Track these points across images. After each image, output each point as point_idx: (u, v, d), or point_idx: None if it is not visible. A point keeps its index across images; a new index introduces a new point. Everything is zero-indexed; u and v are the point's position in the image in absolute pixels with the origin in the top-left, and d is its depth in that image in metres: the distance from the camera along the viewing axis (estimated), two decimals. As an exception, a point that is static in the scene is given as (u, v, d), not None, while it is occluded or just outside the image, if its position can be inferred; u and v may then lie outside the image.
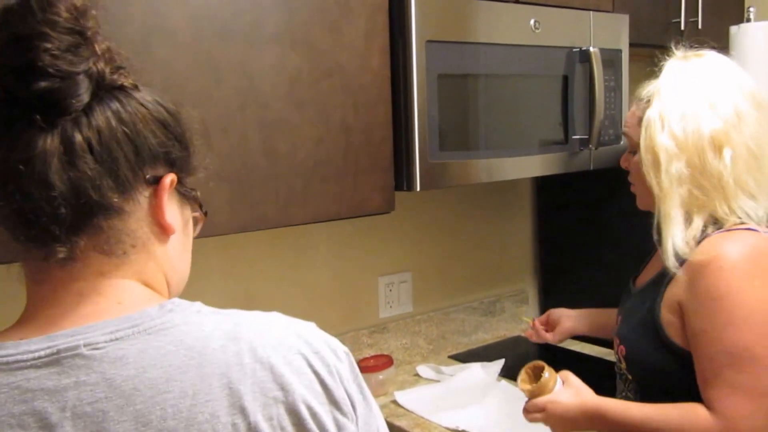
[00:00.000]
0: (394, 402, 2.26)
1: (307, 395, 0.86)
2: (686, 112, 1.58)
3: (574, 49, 2.32)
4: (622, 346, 1.75)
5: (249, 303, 2.27)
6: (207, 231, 1.64)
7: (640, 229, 2.06)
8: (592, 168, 2.43)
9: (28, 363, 0.79)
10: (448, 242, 2.78)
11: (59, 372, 0.79)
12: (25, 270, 0.87)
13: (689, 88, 1.61)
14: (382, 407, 2.22)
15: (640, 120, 1.65)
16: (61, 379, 0.78)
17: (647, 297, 1.70)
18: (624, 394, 1.80)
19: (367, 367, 2.30)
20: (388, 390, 2.33)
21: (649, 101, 1.65)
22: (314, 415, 0.86)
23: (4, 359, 0.79)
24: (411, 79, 1.92)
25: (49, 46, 0.78)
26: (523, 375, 1.82)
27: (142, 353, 0.81)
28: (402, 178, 1.98)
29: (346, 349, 0.95)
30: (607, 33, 2.42)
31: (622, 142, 2.50)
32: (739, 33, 2.73)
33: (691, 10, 2.76)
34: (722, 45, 2.74)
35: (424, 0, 1.91)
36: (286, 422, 0.84)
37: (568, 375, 1.74)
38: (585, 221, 2.81)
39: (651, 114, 1.62)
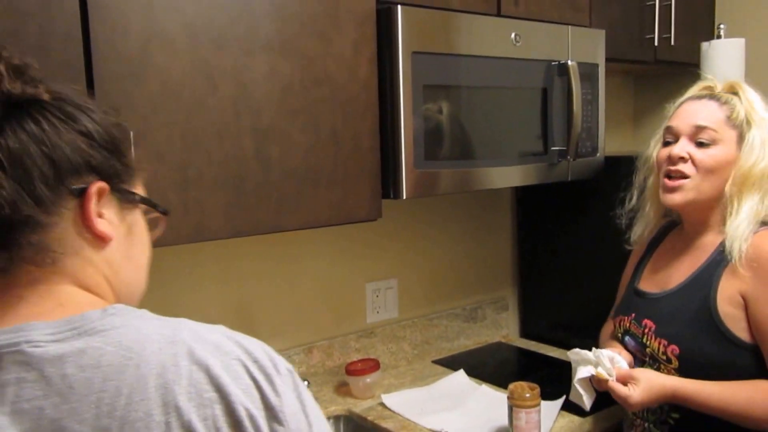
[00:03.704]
0: (382, 404, 2.28)
1: (245, 399, 0.85)
2: None
3: (553, 63, 2.36)
4: (673, 346, 1.81)
5: (242, 309, 2.32)
6: (203, 236, 1.70)
7: (615, 239, 2.12)
8: (570, 179, 2.48)
9: None
10: (432, 250, 2.82)
11: (1, 369, 0.80)
12: None
13: None
14: (370, 409, 2.26)
15: (726, 119, 1.82)
16: (1, 375, 0.80)
17: (693, 294, 1.81)
18: None
19: (355, 370, 2.33)
20: (375, 393, 2.36)
21: (733, 110, 1.82)
22: (251, 417, 0.85)
23: None
24: (398, 89, 1.96)
25: None
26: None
27: (81, 353, 0.81)
28: (389, 186, 2.02)
29: (289, 366, 0.93)
30: (585, 47, 2.47)
31: (598, 155, 2.56)
32: (710, 49, 2.77)
33: (664, 27, 2.81)
34: (694, 61, 2.83)
35: (410, 12, 1.96)
36: (222, 423, 0.83)
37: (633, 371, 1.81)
38: (563, 231, 2.84)
39: (759, 136, 1.80)
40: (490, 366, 2.63)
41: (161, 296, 2.09)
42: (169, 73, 1.62)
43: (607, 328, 2.18)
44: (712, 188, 1.82)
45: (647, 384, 1.75)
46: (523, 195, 3.03)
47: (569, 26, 2.42)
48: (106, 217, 0.91)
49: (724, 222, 1.82)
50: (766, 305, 1.71)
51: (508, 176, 2.31)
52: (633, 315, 1.95)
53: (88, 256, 0.90)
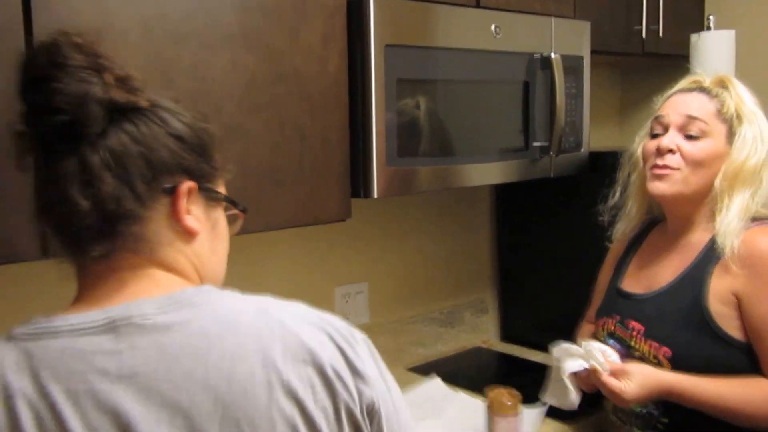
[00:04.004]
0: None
1: (333, 361, 0.97)
2: (766, 138, 1.82)
3: (535, 56, 2.30)
4: (665, 349, 1.77)
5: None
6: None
7: (599, 237, 2.07)
8: (552, 175, 2.42)
9: (89, 330, 0.92)
10: (406, 251, 2.74)
11: (116, 337, 0.91)
12: (73, 267, 1.00)
13: (763, 117, 1.85)
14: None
15: (717, 113, 1.81)
16: (117, 343, 0.91)
17: (683, 294, 1.79)
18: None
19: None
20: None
21: (723, 104, 1.82)
22: (340, 377, 0.97)
23: (69, 327, 0.92)
24: (369, 83, 1.89)
25: (59, 86, 0.90)
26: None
27: (186, 323, 0.94)
28: (359, 185, 1.95)
29: (364, 336, 1.06)
30: (569, 39, 2.42)
31: (582, 150, 2.50)
32: (700, 41, 2.75)
33: (652, 18, 2.78)
34: (682, 53, 2.77)
35: (383, 4, 1.88)
36: (316, 381, 0.95)
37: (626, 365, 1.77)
38: (545, 230, 2.79)
39: (750, 132, 1.80)
40: (468, 372, 2.57)
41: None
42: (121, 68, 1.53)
43: (584, 331, 2.14)
44: (699, 182, 1.80)
45: (642, 378, 1.71)
46: (503, 192, 2.96)
47: (552, 18, 2.36)
48: (194, 213, 1.02)
49: (711, 218, 1.81)
50: (760, 303, 1.70)
51: (487, 173, 2.25)
52: (618, 317, 1.91)
53: (179, 248, 1.02)
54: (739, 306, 1.72)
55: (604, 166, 2.17)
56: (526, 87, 2.31)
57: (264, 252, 2.34)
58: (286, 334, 0.96)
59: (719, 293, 1.74)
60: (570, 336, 2.12)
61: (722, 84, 1.87)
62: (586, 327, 2.14)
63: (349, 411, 0.98)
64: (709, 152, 1.79)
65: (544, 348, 2.67)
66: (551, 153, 2.36)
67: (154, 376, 0.90)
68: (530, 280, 2.89)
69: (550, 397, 1.88)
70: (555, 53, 2.32)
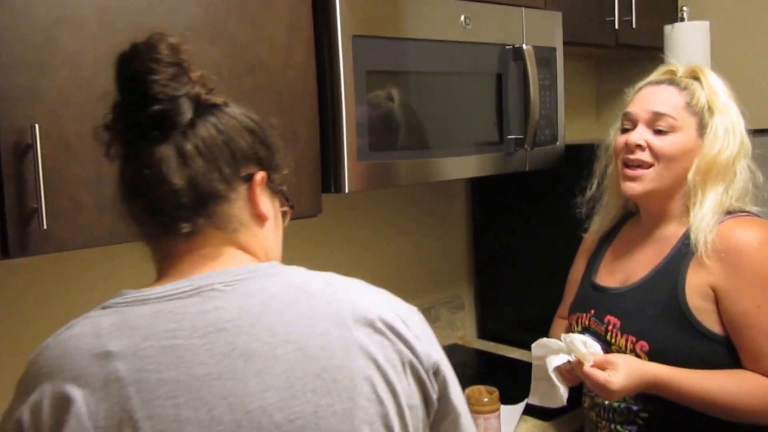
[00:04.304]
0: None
1: (397, 325, 1.06)
2: (739, 130, 1.80)
3: (507, 47, 2.28)
4: (642, 342, 1.75)
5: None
6: (121, 238, 1.56)
7: (576, 231, 2.04)
8: (528, 169, 2.40)
9: (176, 296, 1.02)
10: (379, 247, 2.70)
11: (201, 301, 1.01)
12: (153, 251, 1.12)
13: (735, 108, 1.83)
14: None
15: (686, 105, 1.79)
16: (203, 305, 1.01)
17: (660, 287, 1.77)
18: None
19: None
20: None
21: (693, 96, 1.80)
22: (402, 338, 1.06)
23: (158, 294, 1.02)
24: (338, 75, 1.86)
25: (157, 78, 1.02)
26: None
27: (263, 289, 1.04)
28: (330, 179, 1.92)
29: (417, 309, 1.16)
30: (541, 31, 2.39)
31: (557, 143, 2.48)
32: (674, 32, 2.74)
33: (625, 9, 2.75)
34: (657, 44, 2.75)
35: (349, -7, 1.85)
36: (383, 340, 1.04)
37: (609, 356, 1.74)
38: (522, 223, 2.76)
39: (722, 124, 1.78)
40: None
41: (69, 305, 1.94)
42: (79, 61, 1.49)
43: (557, 327, 2.12)
44: (672, 177, 1.80)
45: (627, 369, 1.67)
46: (478, 186, 2.93)
47: (523, 8, 2.33)
48: (262, 201, 1.13)
49: (685, 212, 1.81)
50: (737, 298, 1.69)
51: (462, 167, 2.23)
52: (592, 311, 1.89)
53: (254, 231, 1.13)
54: (717, 300, 1.71)
55: (581, 159, 2.15)
56: (499, 79, 2.28)
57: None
58: (353, 299, 1.07)
59: (696, 287, 1.72)
60: (546, 333, 2.10)
61: (693, 75, 1.85)
62: (559, 323, 2.13)
63: (413, 367, 1.06)
64: (679, 146, 1.78)
65: (521, 344, 2.67)
66: (526, 146, 2.33)
67: (238, 330, 0.99)
68: (507, 276, 2.85)
69: (537, 399, 1.84)
70: (527, 45, 2.29)
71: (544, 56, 2.40)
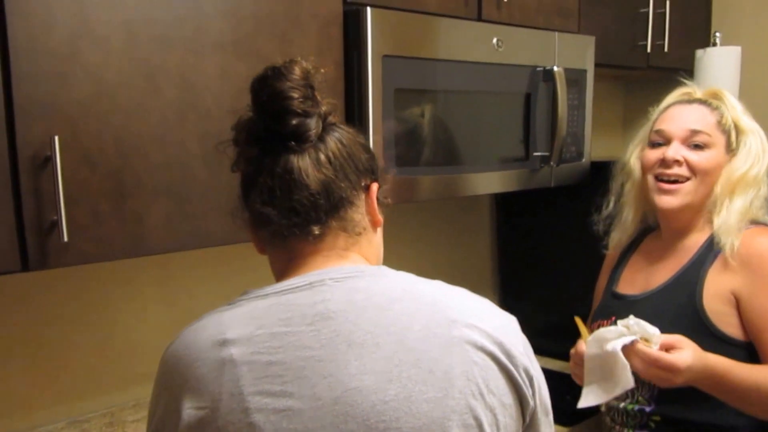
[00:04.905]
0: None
1: (494, 329, 1.13)
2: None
3: (538, 68, 2.27)
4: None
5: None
6: (142, 250, 1.55)
7: (598, 246, 2.07)
8: (552, 185, 2.41)
9: (291, 290, 1.12)
10: (406, 259, 2.66)
11: (312, 294, 1.10)
12: (278, 254, 1.22)
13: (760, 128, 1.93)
14: None
15: (717, 124, 1.87)
16: (313, 297, 1.10)
17: (678, 293, 1.82)
18: (636, 397, 1.84)
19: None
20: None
21: (723, 116, 1.88)
22: (499, 343, 1.12)
23: (275, 290, 1.13)
24: (366, 93, 1.85)
25: (296, 95, 1.13)
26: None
27: (369, 286, 1.13)
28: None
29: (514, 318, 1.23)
30: (573, 53, 2.39)
31: (583, 160, 2.49)
32: (705, 57, 2.75)
33: (658, 34, 2.76)
34: (688, 68, 2.72)
35: (381, 15, 1.84)
36: (481, 341, 1.10)
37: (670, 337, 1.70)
38: (545, 238, 2.78)
39: (755, 143, 1.88)
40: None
41: (94, 319, 1.96)
42: (102, 73, 1.47)
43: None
44: (705, 191, 1.86)
45: (694, 351, 1.65)
46: (503, 200, 2.94)
47: (556, 32, 2.32)
48: (377, 208, 1.24)
49: (708, 222, 1.87)
50: (759, 300, 1.73)
51: (487, 182, 2.23)
52: (612, 318, 1.89)
53: (369, 236, 1.24)
54: (738, 305, 1.75)
55: (607, 176, 2.16)
56: (528, 98, 2.28)
57: (255, 262, 2.25)
58: (456, 303, 1.14)
59: (717, 291, 1.77)
60: (571, 344, 2.07)
61: (717, 97, 1.93)
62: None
63: (506, 369, 1.11)
64: (713, 161, 1.85)
65: (547, 353, 2.68)
66: (552, 163, 2.35)
67: (344, 320, 1.07)
68: (531, 288, 2.87)
69: (592, 397, 1.75)
70: (558, 66, 2.29)
71: (575, 77, 2.40)
